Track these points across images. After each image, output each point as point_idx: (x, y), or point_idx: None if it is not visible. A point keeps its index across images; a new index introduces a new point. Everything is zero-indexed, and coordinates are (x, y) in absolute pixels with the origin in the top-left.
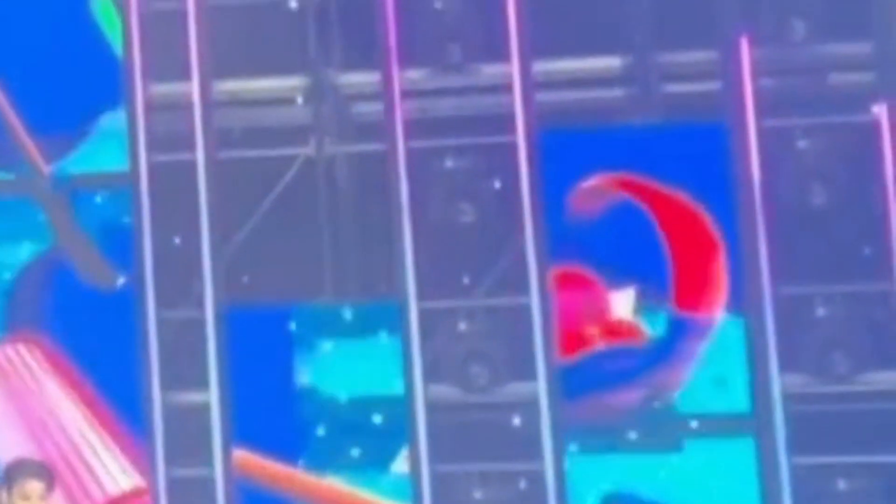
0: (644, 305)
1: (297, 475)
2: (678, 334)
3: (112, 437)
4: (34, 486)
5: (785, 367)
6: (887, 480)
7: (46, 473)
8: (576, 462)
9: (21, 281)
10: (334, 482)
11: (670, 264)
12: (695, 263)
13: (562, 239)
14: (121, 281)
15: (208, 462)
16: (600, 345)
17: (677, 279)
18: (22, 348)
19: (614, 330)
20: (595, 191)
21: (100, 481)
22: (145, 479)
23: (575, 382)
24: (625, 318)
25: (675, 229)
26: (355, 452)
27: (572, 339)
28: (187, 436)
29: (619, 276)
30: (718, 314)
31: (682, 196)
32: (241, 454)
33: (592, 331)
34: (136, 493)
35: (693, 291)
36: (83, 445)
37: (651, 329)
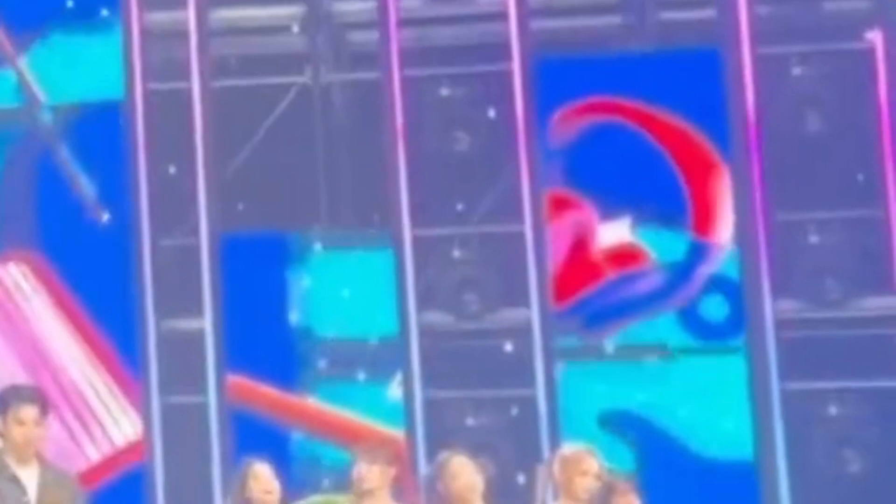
0: (647, 229)
1: (291, 401)
2: (691, 258)
3: (106, 366)
4: (29, 412)
5: (778, 293)
6: (878, 405)
7: (41, 399)
8: (569, 385)
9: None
10: (327, 408)
11: (682, 187)
12: (701, 185)
13: (554, 164)
14: (105, 217)
15: (202, 389)
16: (611, 274)
17: (688, 201)
18: (14, 269)
19: (620, 256)
20: (579, 114)
21: (105, 428)
22: (139, 407)
23: (594, 313)
24: (627, 242)
25: (678, 152)
26: (349, 378)
27: (584, 271)
28: (181, 363)
29: (624, 202)
30: (727, 237)
31: (680, 121)
32: (235, 380)
33: (598, 257)
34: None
35: (703, 214)
36: (83, 384)
37: (658, 253)
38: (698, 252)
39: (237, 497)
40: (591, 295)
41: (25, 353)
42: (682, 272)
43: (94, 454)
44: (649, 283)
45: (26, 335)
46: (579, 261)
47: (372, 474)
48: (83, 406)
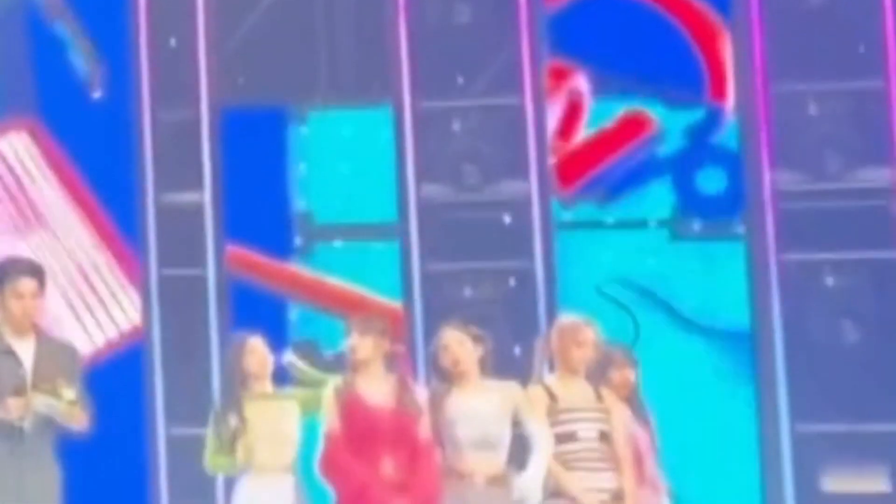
0: (652, 98)
1: (289, 270)
2: (694, 127)
3: (105, 242)
4: (27, 284)
5: (777, 164)
6: (875, 277)
7: (39, 271)
8: (567, 257)
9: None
10: (325, 277)
11: (688, 52)
12: (706, 51)
13: (553, 34)
14: (99, 93)
15: (201, 263)
16: (613, 145)
17: (695, 67)
18: (14, 139)
19: (624, 126)
20: None
21: (109, 311)
22: (137, 281)
23: (594, 183)
24: (632, 111)
25: (683, 18)
26: (347, 250)
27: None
28: (180, 237)
29: (628, 69)
30: (729, 106)
31: None
32: (234, 250)
33: (601, 127)
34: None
35: (710, 80)
36: (85, 262)
37: (662, 121)
38: (701, 121)
39: (232, 371)
40: (591, 165)
41: (25, 228)
42: (684, 141)
43: (99, 338)
44: (651, 152)
45: (26, 210)
46: (579, 131)
47: (364, 345)
48: (86, 287)
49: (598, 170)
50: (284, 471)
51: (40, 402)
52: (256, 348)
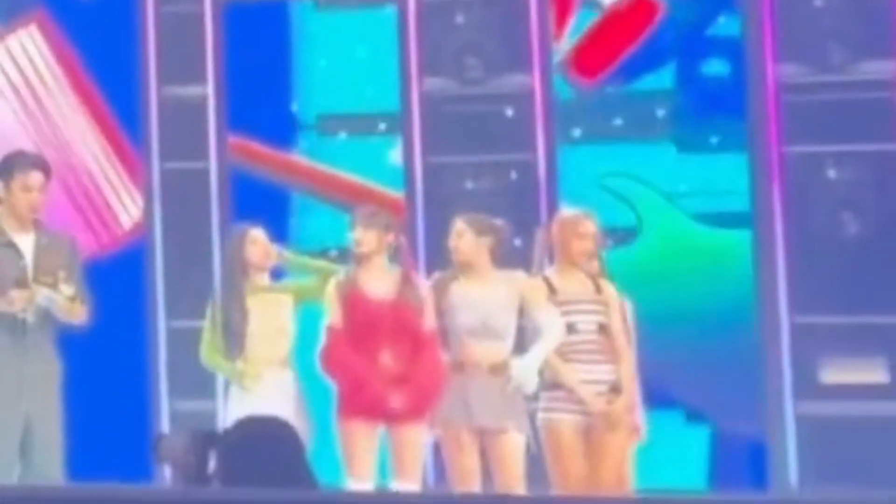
0: None
1: (292, 160)
2: (698, 14)
3: (108, 137)
4: (36, 178)
5: (780, 56)
6: (877, 169)
7: (46, 167)
8: (569, 151)
9: None
10: (328, 168)
11: None
12: None
13: None
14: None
15: (203, 155)
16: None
17: None
18: (24, 35)
19: (630, 12)
20: None
21: (113, 211)
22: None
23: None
24: None
25: None
26: (349, 142)
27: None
28: (183, 130)
29: None
30: None
31: None
32: (236, 140)
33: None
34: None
35: None
36: (91, 161)
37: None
38: (707, 11)
39: (233, 262)
40: (596, 54)
41: (33, 126)
42: (688, 29)
43: (104, 237)
44: (655, 40)
45: (34, 108)
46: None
47: (369, 239)
48: (91, 186)
49: (602, 57)
50: (280, 364)
51: (40, 295)
52: (258, 239)
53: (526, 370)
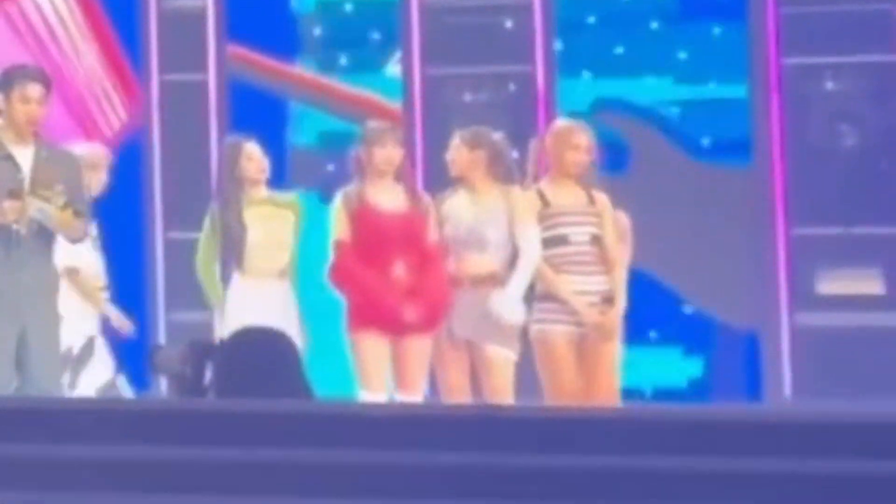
0: None
1: (292, 71)
2: None
3: (105, 49)
4: (35, 89)
5: None
6: (875, 80)
7: (46, 78)
8: (565, 62)
9: None
10: (328, 79)
11: None
12: None
13: None
14: None
15: (202, 67)
16: None
17: None
18: None
19: None
20: None
21: (105, 114)
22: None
23: None
24: None
25: None
26: (350, 54)
27: None
28: (181, 41)
29: None
30: None
31: None
32: (235, 49)
33: None
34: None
35: None
36: (83, 66)
37: None
38: None
39: (227, 176)
40: None
41: (28, 37)
42: None
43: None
44: None
45: (33, 19)
46: None
47: (381, 155)
48: (83, 88)
49: None
50: (278, 276)
51: (33, 208)
52: (253, 154)
53: (508, 301)
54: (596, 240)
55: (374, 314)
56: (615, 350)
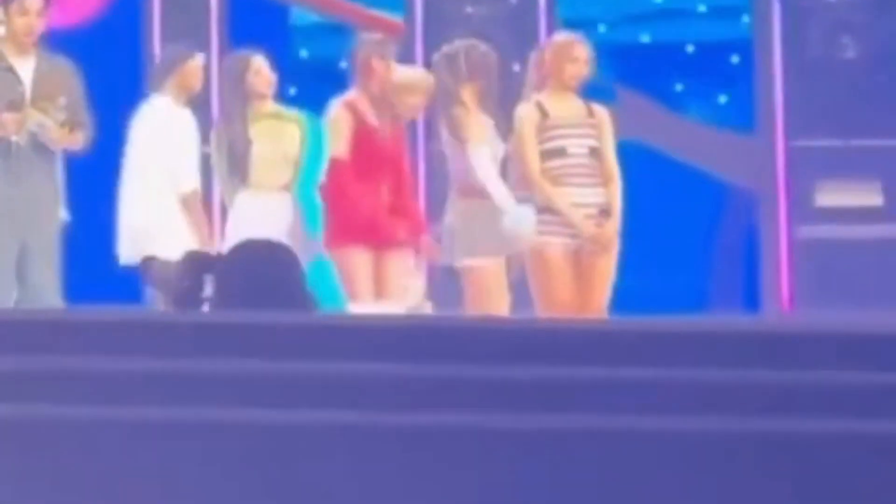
0: None
1: None
2: None
3: None
4: (34, 1)
5: None
6: None
7: None
8: None
9: None
10: None
11: None
12: None
13: None
14: None
15: None
16: None
17: None
18: None
19: None
20: None
21: None
22: None
23: None
24: None
25: None
26: None
27: None
28: None
29: None
30: None
31: None
32: None
33: None
34: None
35: None
36: None
37: None
38: None
39: (234, 90)
40: None
41: None
42: None
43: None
44: None
45: None
46: None
47: (380, 67)
48: None
49: None
50: (282, 189)
51: (31, 121)
52: (261, 68)
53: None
54: (594, 152)
55: (365, 230)
56: (611, 263)
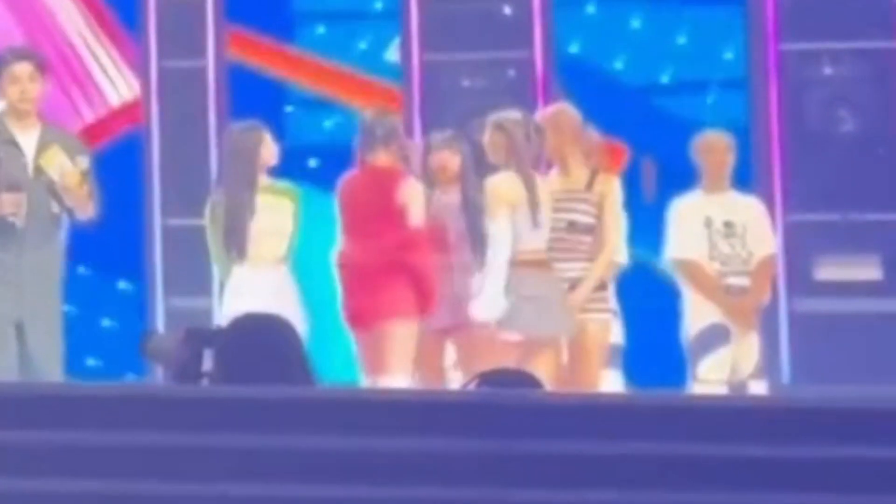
0: None
1: (290, 53)
2: None
3: (103, 27)
4: (23, 68)
5: None
6: (873, 67)
7: (36, 57)
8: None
9: None
10: (327, 61)
11: None
12: None
13: None
14: None
15: (201, 52)
16: None
17: None
18: None
19: None
20: None
21: (99, 89)
22: (137, 74)
23: None
24: None
25: None
26: (347, 35)
27: None
28: (180, 27)
29: None
30: None
31: None
32: (234, 31)
33: None
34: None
35: None
36: (80, 46)
37: None
38: None
39: (247, 162)
40: None
41: (22, 15)
42: None
43: (90, 116)
44: None
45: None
46: None
47: (386, 153)
48: (79, 66)
49: None
50: (278, 262)
51: (55, 161)
52: (269, 141)
53: (487, 304)
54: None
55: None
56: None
